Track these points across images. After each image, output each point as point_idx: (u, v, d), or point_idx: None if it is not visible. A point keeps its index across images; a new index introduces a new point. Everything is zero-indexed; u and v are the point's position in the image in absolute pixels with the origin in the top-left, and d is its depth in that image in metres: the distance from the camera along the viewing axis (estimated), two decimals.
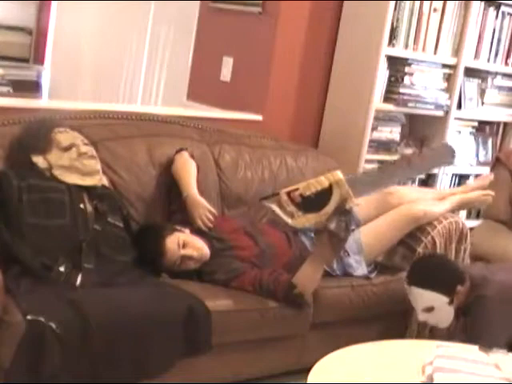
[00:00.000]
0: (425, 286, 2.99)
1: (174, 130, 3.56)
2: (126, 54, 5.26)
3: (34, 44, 6.17)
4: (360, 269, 3.34)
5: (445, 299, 2.97)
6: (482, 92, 4.62)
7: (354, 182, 2.89)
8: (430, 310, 3.00)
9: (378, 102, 4.09)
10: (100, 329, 2.47)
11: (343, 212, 2.81)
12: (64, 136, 2.96)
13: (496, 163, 4.32)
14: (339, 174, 2.82)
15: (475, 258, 3.75)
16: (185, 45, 4.56)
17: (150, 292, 2.74)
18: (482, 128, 4.80)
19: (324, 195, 2.81)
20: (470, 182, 4.46)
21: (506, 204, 4.24)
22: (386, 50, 4.02)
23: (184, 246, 3.01)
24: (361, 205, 3.48)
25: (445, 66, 4.35)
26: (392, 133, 4.29)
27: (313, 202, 2.83)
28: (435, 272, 3.05)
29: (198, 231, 3.14)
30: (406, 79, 4.17)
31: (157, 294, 2.73)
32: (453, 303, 2.98)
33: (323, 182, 2.82)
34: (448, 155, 3.08)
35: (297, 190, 2.84)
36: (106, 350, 2.49)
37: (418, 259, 3.27)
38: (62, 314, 2.44)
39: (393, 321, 3.42)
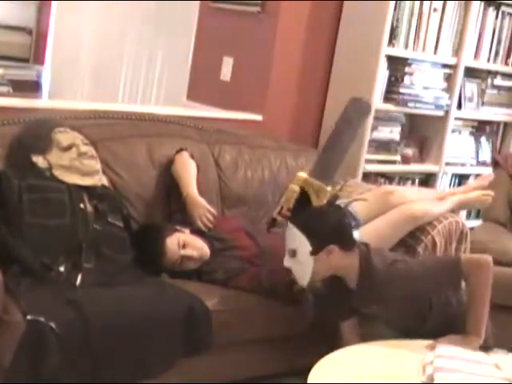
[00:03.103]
0: (296, 225, 2.67)
1: (174, 130, 3.56)
2: (126, 53, 5.26)
3: (34, 44, 6.17)
4: None
5: (308, 247, 2.62)
6: (482, 92, 4.63)
7: (317, 172, 2.91)
8: (292, 254, 2.67)
9: (378, 102, 4.10)
10: (100, 329, 2.47)
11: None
12: (64, 136, 2.96)
13: (494, 166, 4.33)
14: (302, 175, 2.89)
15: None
16: (185, 45, 4.55)
17: (149, 292, 2.73)
18: (482, 128, 4.80)
19: (304, 199, 2.85)
20: (471, 182, 4.47)
21: (504, 206, 4.25)
22: (386, 50, 4.03)
23: (184, 246, 3.02)
24: (361, 204, 3.48)
25: (445, 65, 4.35)
26: (392, 133, 4.30)
27: (301, 210, 2.86)
28: (318, 218, 2.70)
29: (198, 231, 3.14)
30: (406, 79, 4.17)
31: (157, 294, 2.73)
32: (315, 255, 2.61)
33: (294, 188, 2.87)
34: (363, 106, 3.11)
35: (282, 208, 2.89)
36: (105, 350, 2.48)
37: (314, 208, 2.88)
38: (61, 314, 2.43)
39: None
